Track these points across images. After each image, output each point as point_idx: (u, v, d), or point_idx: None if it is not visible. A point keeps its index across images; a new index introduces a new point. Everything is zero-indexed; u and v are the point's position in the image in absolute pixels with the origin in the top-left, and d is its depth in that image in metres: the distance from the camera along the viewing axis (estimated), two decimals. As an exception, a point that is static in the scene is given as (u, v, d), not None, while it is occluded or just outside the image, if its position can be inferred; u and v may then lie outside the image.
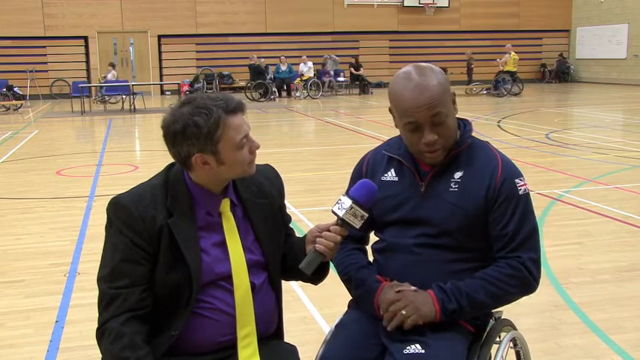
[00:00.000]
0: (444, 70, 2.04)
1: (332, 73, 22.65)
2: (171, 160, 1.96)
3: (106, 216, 1.88)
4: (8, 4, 22.46)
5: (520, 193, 2.00)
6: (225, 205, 1.93)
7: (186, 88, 21.61)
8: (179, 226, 1.84)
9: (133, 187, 1.92)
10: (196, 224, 1.87)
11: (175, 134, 1.81)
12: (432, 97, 1.93)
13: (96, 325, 1.84)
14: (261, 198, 2.00)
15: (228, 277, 1.89)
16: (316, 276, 1.98)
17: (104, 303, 1.82)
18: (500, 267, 1.99)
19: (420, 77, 1.96)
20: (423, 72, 1.97)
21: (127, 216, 1.82)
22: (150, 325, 1.85)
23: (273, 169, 2.12)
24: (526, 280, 1.99)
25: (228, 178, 1.92)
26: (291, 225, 2.17)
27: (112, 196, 1.89)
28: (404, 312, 1.93)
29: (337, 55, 23.47)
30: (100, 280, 1.85)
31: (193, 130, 1.78)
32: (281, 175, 2.14)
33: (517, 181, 2.01)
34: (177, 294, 1.85)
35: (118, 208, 1.85)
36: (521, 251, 1.98)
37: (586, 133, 11.92)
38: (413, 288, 1.99)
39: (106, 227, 1.88)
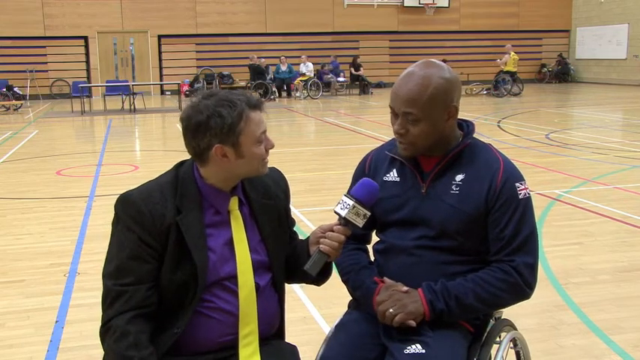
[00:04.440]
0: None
1: (332, 74, 22.63)
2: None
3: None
4: (8, 4, 22.46)
5: (520, 197, 1.99)
6: (234, 204, 1.93)
7: (186, 88, 21.63)
8: (187, 223, 1.84)
9: (141, 184, 1.91)
10: (204, 222, 1.88)
11: (199, 125, 1.81)
12: (410, 96, 1.94)
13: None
14: (268, 199, 2.01)
15: (233, 278, 1.89)
16: (320, 277, 1.99)
17: (109, 300, 1.82)
18: (492, 271, 1.98)
19: (419, 70, 1.98)
20: (425, 68, 1.98)
21: (135, 212, 1.82)
22: (154, 324, 1.85)
23: (279, 171, 2.13)
24: (517, 286, 1.97)
25: (241, 175, 1.91)
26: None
27: (120, 194, 1.88)
28: (391, 310, 1.94)
29: (337, 55, 23.47)
30: (106, 276, 1.84)
31: (217, 120, 1.79)
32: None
33: (518, 184, 2.00)
34: (183, 292, 1.85)
35: (126, 204, 1.84)
36: (516, 255, 1.97)
37: (586, 133, 11.92)
38: (405, 289, 1.99)
39: (113, 224, 1.88)
